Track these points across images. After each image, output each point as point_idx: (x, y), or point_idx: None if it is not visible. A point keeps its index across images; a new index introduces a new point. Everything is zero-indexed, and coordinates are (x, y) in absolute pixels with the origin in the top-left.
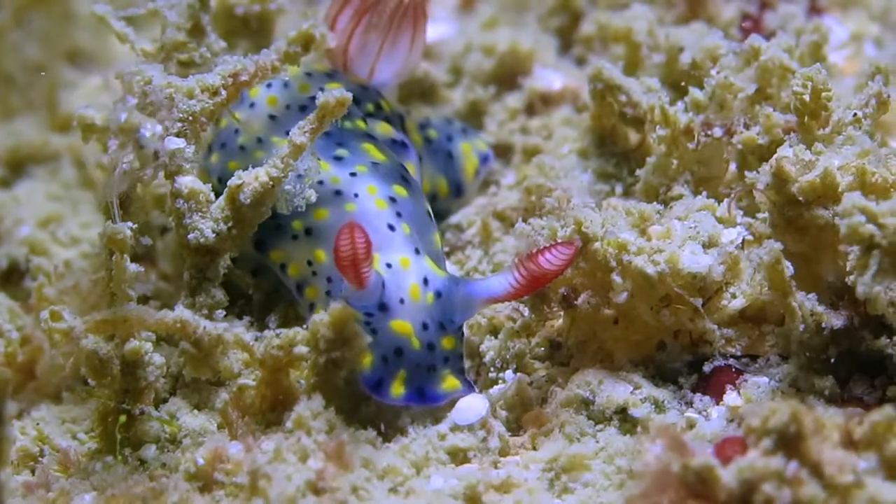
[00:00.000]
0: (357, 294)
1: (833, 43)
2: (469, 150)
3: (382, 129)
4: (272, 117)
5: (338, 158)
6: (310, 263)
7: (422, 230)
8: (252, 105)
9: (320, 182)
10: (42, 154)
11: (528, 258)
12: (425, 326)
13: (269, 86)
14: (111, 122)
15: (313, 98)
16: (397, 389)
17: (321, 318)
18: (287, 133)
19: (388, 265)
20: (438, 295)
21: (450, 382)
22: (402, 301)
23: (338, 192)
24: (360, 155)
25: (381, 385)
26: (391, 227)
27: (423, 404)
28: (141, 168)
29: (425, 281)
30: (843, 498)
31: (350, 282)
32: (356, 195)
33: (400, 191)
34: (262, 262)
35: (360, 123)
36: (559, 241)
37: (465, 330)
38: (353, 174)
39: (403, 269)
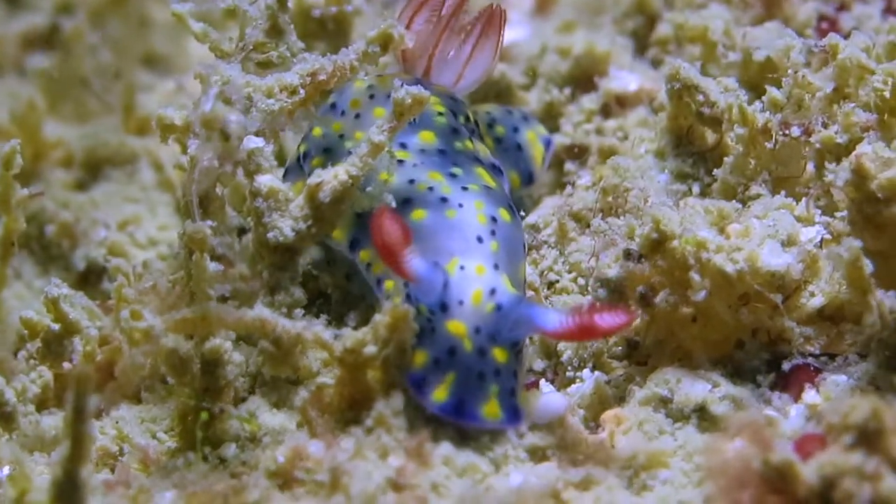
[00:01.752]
0: (415, 288)
1: None
2: (534, 137)
3: (483, 151)
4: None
5: (453, 175)
6: None
7: (511, 255)
8: (357, 116)
9: (430, 188)
10: (119, 156)
11: (586, 310)
12: (478, 330)
13: (371, 97)
14: (195, 114)
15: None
16: (439, 394)
17: (381, 319)
18: (400, 144)
19: (462, 267)
20: (499, 308)
21: (492, 409)
22: (461, 302)
23: (444, 199)
24: (474, 177)
25: (425, 385)
26: (479, 239)
27: (457, 419)
28: (226, 160)
29: (492, 291)
30: None
31: (394, 271)
32: (461, 205)
33: (504, 215)
34: (340, 257)
35: (469, 144)
36: (623, 306)
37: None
38: (465, 188)
39: (475, 275)
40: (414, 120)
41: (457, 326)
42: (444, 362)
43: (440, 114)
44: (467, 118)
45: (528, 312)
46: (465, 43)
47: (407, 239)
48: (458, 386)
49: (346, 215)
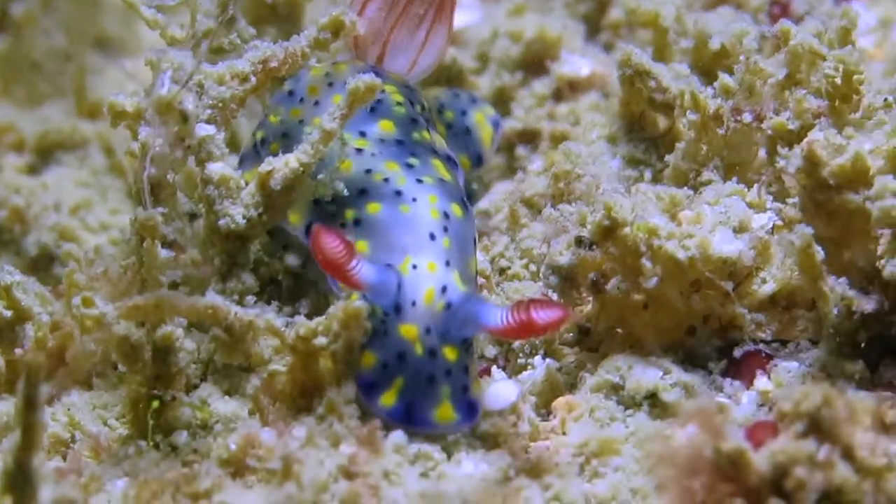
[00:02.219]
0: (369, 293)
1: (861, 28)
2: (483, 119)
3: (440, 142)
4: None
5: (409, 166)
6: None
7: (462, 251)
8: (316, 103)
9: (386, 179)
10: (71, 141)
11: (524, 306)
12: (428, 331)
13: (330, 85)
14: (149, 99)
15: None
16: (387, 399)
17: (335, 312)
18: (359, 132)
19: (415, 266)
20: (449, 306)
21: (445, 411)
22: (413, 303)
23: (398, 192)
24: (430, 168)
25: (373, 389)
26: (432, 236)
27: (407, 424)
28: (183, 141)
29: (443, 289)
30: (876, 481)
31: (345, 285)
32: (415, 199)
33: (456, 210)
34: (296, 243)
35: (427, 135)
36: (554, 300)
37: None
38: (419, 181)
39: (427, 273)
40: (373, 109)
41: (408, 330)
42: (392, 367)
43: (399, 103)
44: (423, 107)
45: (474, 310)
46: (419, 29)
47: (350, 252)
48: (407, 391)
49: (302, 201)
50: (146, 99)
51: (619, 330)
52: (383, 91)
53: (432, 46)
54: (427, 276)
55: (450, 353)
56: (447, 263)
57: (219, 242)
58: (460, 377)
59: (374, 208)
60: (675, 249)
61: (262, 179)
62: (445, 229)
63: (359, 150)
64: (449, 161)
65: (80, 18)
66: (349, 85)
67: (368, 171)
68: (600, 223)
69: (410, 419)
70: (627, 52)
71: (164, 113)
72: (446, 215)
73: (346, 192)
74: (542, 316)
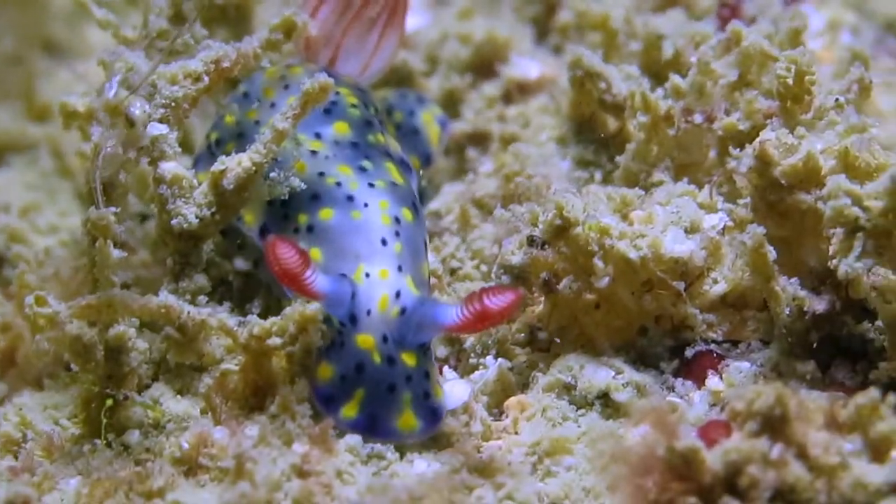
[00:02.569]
0: (324, 304)
1: (810, 31)
2: (430, 119)
3: (394, 146)
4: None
5: (362, 169)
6: None
7: (414, 255)
8: (272, 105)
9: (338, 183)
10: (20, 143)
11: (476, 296)
12: (385, 339)
13: (286, 87)
14: (98, 102)
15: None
16: (349, 412)
17: (291, 313)
18: (315, 133)
19: (367, 275)
20: (403, 311)
21: (407, 420)
22: (368, 312)
23: (350, 198)
24: (382, 172)
25: (333, 402)
26: (384, 242)
27: (371, 435)
28: (129, 147)
29: (397, 294)
30: (829, 479)
31: (300, 294)
32: (366, 205)
33: (407, 215)
34: (251, 243)
35: (381, 138)
36: (503, 287)
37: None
38: (371, 185)
39: (380, 280)
40: (329, 111)
41: (365, 340)
42: (351, 378)
43: (353, 105)
44: (375, 109)
45: (430, 313)
46: (371, 32)
47: (305, 262)
48: (368, 402)
49: (257, 201)
50: (98, 100)
51: (572, 329)
52: (338, 93)
53: (384, 50)
54: (380, 284)
55: (408, 359)
56: (399, 269)
57: (171, 242)
58: (421, 383)
59: (326, 214)
60: (626, 249)
61: (214, 179)
62: (397, 234)
63: (313, 153)
64: (402, 164)
65: (28, 22)
66: (304, 85)
67: (322, 175)
68: (552, 223)
69: (374, 430)
70: (577, 53)
71: (114, 115)
72: (398, 220)
73: (303, 187)
74: (495, 302)
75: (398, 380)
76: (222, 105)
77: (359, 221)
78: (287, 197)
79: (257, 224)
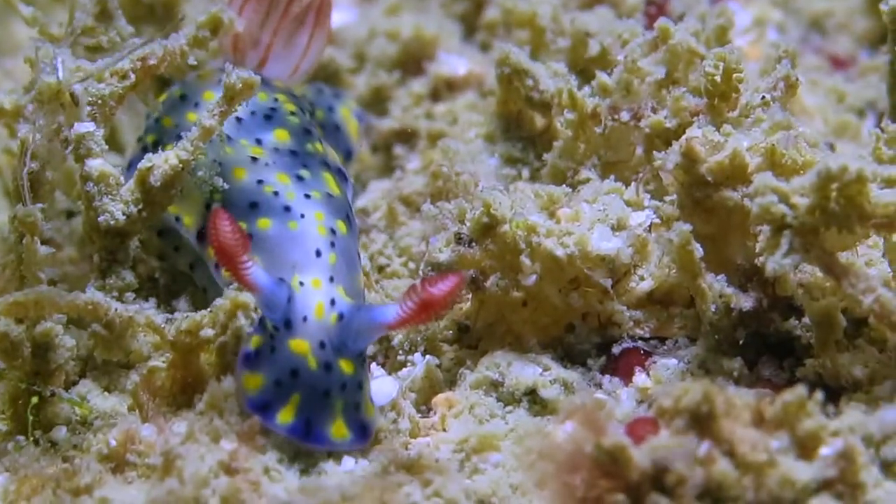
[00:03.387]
0: (259, 300)
1: (737, 28)
2: (348, 114)
3: (332, 155)
4: (238, 119)
5: (300, 178)
6: None
7: (348, 267)
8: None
9: (276, 192)
10: None
11: (418, 287)
12: (322, 345)
13: None
14: (34, 88)
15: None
16: (285, 417)
17: (222, 304)
18: (256, 139)
19: (302, 283)
20: (341, 317)
21: (339, 429)
22: (305, 319)
23: (287, 209)
24: (319, 182)
25: (268, 409)
26: (318, 253)
27: (305, 441)
28: (59, 134)
29: (332, 302)
30: (757, 476)
31: (234, 277)
32: (303, 216)
33: (341, 226)
34: (187, 245)
35: (319, 147)
36: (446, 272)
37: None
38: (307, 196)
39: (313, 289)
40: (269, 116)
41: (299, 345)
42: (286, 384)
43: (292, 113)
44: (311, 114)
45: (368, 317)
46: (300, 33)
47: (245, 243)
48: (304, 406)
49: (196, 205)
50: (26, 95)
51: (499, 327)
52: (276, 99)
53: (313, 51)
54: (314, 292)
55: (346, 367)
56: (331, 279)
57: (98, 239)
58: (354, 393)
59: (264, 224)
60: (553, 247)
61: (141, 176)
62: (332, 245)
63: (254, 159)
64: (339, 174)
65: None
66: (225, 80)
67: (260, 182)
68: (479, 220)
69: (309, 436)
70: (505, 51)
71: (52, 100)
72: (333, 232)
73: (225, 186)
74: (439, 288)
75: (333, 386)
76: (154, 108)
77: (295, 232)
78: (224, 203)
79: (195, 227)
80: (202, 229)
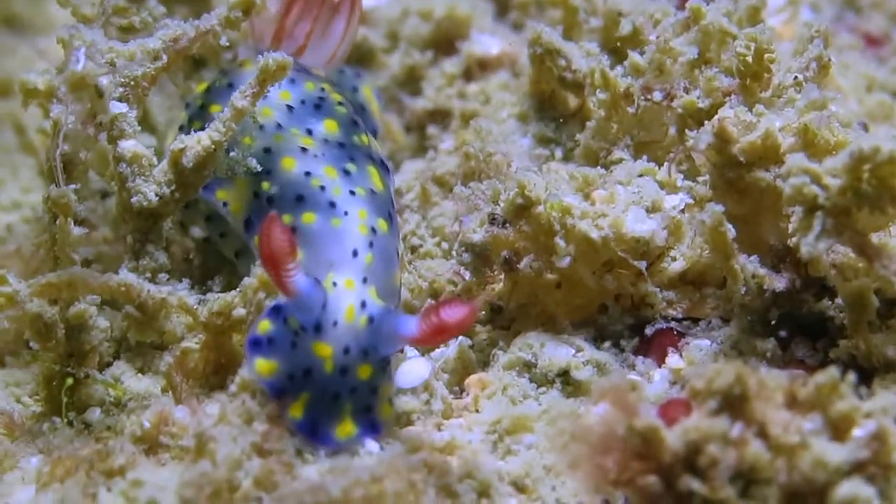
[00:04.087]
0: (293, 304)
1: (770, 7)
2: (370, 93)
3: (375, 147)
4: (290, 108)
5: (346, 172)
6: None
7: (385, 266)
8: (264, 97)
9: (322, 187)
10: None
11: (432, 309)
12: (347, 350)
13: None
14: (59, 78)
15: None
16: (295, 412)
17: (250, 282)
18: (306, 129)
19: (335, 284)
20: (371, 320)
21: (346, 428)
22: (335, 323)
23: (332, 204)
24: (365, 177)
25: (283, 398)
26: (355, 253)
27: (311, 439)
28: (97, 116)
29: (363, 304)
30: (789, 458)
31: (275, 283)
32: (346, 213)
33: (383, 225)
34: (233, 233)
35: (365, 139)
36: (461, 297)
37: (406, 292)
38: (352, 192)
39: (345, 290)
40: (318, 106)
41: (323, 348)
42: (298, 380)
43: (340, 103)
44: (348, 100)
45: (394, 324)
46: (337, 21)
47: (294, 252)
48: (312, 407)
49: (245, 193)
50: (58, 76)
51: (532, 308)
52: (322, 89)
53: (349, 37)
54: (346, 294)
55: (363, 372)
56: (364, 280)
57: (131, 220)
58: (365, 397)
59: (309, 218)
60: (588, 229)
61: (174, 157)
62: (371, 244)
63: (304, 150)
64: (382, 167)
65: None
66: (260, 62)
67: (308, 174)
68: (514, 201)
69: (315, 435)
70: (537, 30)
71: (78, 89)
72: (374, 230)
73: (258, 168)
74: (450, 314)
75: (343, 389)
76: (186, 90)
77: (337, 229)
78: (272, 193)
79: (242, 215)
80: (249, 218)
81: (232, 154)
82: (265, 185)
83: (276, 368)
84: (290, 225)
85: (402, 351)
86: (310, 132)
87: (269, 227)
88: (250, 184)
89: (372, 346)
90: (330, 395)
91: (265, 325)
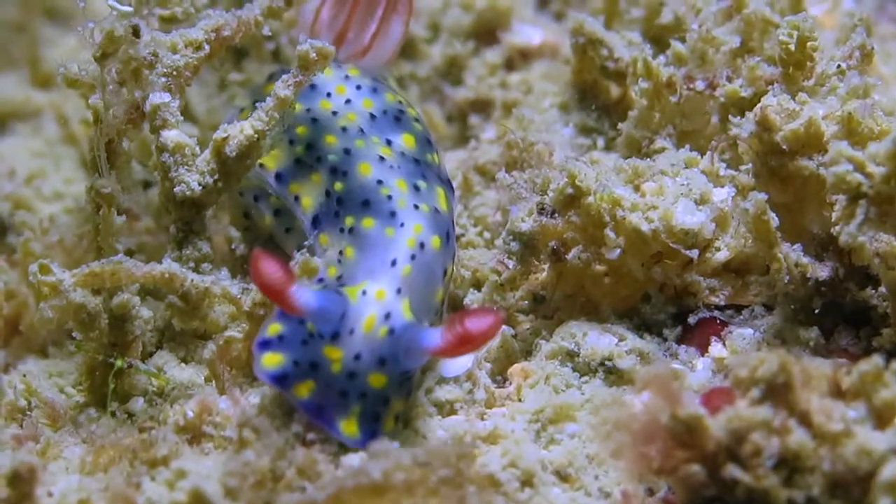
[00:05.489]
0: (311, 316)
1: None
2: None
3: (444, 167)
4: (372, 116)
5: (416, 188)
6: (340, 254)
7: (426, 282)
8: (348, 101)
9: (389, 196)
10: (24, 111)
11: (457, 318)
12: (357, 357)
13: (358, 88)
14: (97, 35)
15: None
16: (301, 391)
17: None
18: (386, 139)
19: (364, 292)
20: (392, 332)
21: (350, 427)
22: (351, 332)
23: (393, 214)
24: (432, 196)
25: (286, 380)
26: (394, 262)
27: (316, 420)
28: (134, 63)
29: (387, 315)
30: (833, 446)
31: (284, 310)
32: (402, 224)
33: (435, 242)
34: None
35: (436, 158)
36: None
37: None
38: (416, 206)
39: (374, 300)
40: (398, 119)
41: (333, 352)
42: (304, 368)
43: (416, 120)
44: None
45: (417, 336)
46: (394, 21)
47: (289, 278)
48: (318, 392)
49: (316, 188)
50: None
51: (577, 298)
52: (400, 102)
53: (403, 36)
54: (372, 303)
55: (375, 380)
56: (398, 291)
57: (174, 210)
58: (376, 404)
59: (368, 223)
60: (639, 221)
61: (217, 146)
62: (412, 258)
63: (382, 158)
64: (449, 187)
65: None
66: (299, 49)
67: (380, 182)
68: (563, 191)
69: (320, 416)
70: (579, 20)
71: (113, 42)
72: (422, 245)
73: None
74: (475, 325)
75: (352, 391)
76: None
77: (389, 238)
78: (342, 195)
79: (312, 211)
80: (317, 216)
81: (268, 141)
82: (338, 185)
83: (283, 359)
84: (351, 226)
85: (411, 391)
86: (389, 143)
87: (254, 265)
88: (325, 182)
89: (392, 357)
90: (336, 391)
91: (275, 328)
